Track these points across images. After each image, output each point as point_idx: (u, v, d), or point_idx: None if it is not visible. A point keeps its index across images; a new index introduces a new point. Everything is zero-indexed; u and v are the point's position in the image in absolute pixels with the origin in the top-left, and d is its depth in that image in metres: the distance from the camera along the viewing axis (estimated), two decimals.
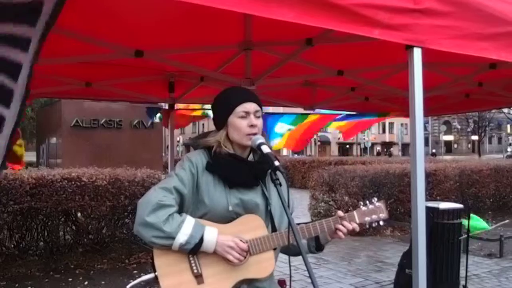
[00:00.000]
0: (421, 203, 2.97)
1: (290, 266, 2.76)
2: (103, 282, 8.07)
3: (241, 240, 2.65)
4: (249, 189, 2.77)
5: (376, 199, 2.98)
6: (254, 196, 2.77)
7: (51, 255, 9.07)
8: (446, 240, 7.14)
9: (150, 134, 20.02)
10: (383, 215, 2.95)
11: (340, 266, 9.13)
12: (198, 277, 2.61)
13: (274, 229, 2.76)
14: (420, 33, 2.72)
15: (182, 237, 2.55)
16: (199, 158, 2.78)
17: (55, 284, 8.05)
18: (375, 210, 2.93)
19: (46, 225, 9.14)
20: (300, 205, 13.89)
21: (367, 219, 2.92)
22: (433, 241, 6.82)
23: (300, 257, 2.52)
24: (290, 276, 2.81)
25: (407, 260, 7.02)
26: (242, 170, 2.76)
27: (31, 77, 2.11)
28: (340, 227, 2.84)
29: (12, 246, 8.96)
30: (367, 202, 2.96)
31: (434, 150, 79.45)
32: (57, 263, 8.89)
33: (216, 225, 2.66)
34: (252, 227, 2.71)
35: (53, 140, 20.12)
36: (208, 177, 2.73)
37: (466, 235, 7.20)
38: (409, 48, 2.80)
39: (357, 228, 2.88)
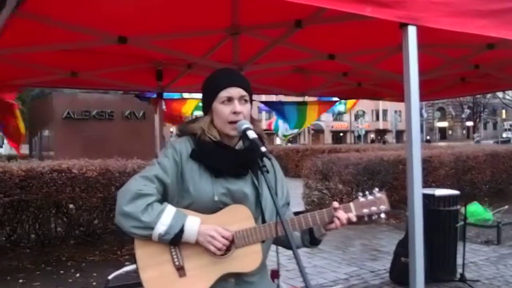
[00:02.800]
0: (417, 190, 2.85)
1: (277, 255, 2.61)
2: (94, 274, 7.96)
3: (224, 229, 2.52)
4: (237, 179, 2.63)
5: (377, 189, 2.78)
6: (242, 186, 2.63)
7: (42, 247, 8.97)
8: (442, 227, 7.07)
9: (142, 125, 19.82)
10: (384, 207, 2.76)
11: (335, 255, 9.03)
12: (180, 270, 2.49)
13: (264, 221, 2.61)
14: (414, 10, 2.59)
15: (161, 227, 2.44)
16: (183, 145, 2.64)
17: (47, 276, 7.94)
18: (374, 202, 2.74)
19: (37, 218, 9.02)
20: (294, 194, 13.77)
21: (366, 211, 2.72)
22: (429, 228, 6.73)
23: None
24: (278, 265, 2.65)
25: (402, 248, 6.96)
26: (228, 158, 2.61)
27: None
28: (334, 219, 2.66)
29: (3, 239, 8.88)
30: (367, 192, 2.76)
31: (428, 137, 79.63)
32: (48, 255, 8.78)
33: (199, 215, 2.53)
34: (238, 218, 2.57)
35: (45, 132, 19.98)
36: (193, 166, 2.59)
37: (462, 222, 7.12)
38: (403, 26, 2.66)
39: (354, 219, 2.69)
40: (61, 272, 8.13)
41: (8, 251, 8.70)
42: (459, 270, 7.04)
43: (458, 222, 7.19)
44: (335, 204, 2.70)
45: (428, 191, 7.19)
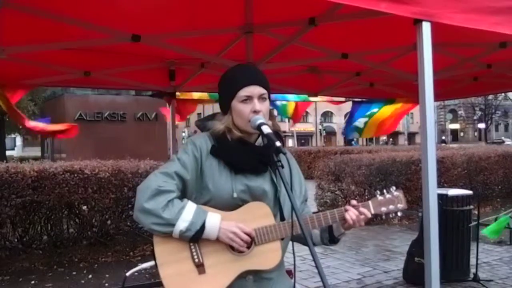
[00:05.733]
0: (432, 190, 2.83)
1: (294, 254, 2.56)
2: (107, 275, 7.97)
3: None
4: (256, 175, 2.60)
5: (394, 187, 2.77)
6: (262, 183, 2.61)
7: (54, 248, 9.00)
8: (456, 227, 7.04)
9: (154, 126, 19.89)
10: (401, 205, 2.76)
11: (348, 256, 9.01)
12: (200, 267, 2.47)
13: (283, 218, 2.60)
14: (429, 6, 2.57)
15: (182, 223, 2.42)
16: (203, 141, 2.62)
17: (59, 277, 7.97)
18: (392, 200, 2.74)
19: (50, 219, 9.06)
20: None
21: (384, 209, 2.73)
22: (442, 228, 6.67)
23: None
24: (294, 265, 2.62)
25: (416, 249, 6.93)
26: (248, 155, 2.59)
27: None
28: (347, 217, 2.63)
29: (16, 240, 8.89)
30: (384, 191, 2.76)
31: (444, 137, 79.10)
32: (61, 256, 8.82)
33: (219, 212, 2.51)
34: (258, 215, 2.55)
35: None
36: (213, 162, 2.58)
37: (476, 222, 7.08)
38: (418, 22, 2.64)
39: (369, 215, 2.68)
40: (74, 273, 8.17)
41: (20, 252, 8.73)
42: (473, 270, 7.00)
43: (471, 222, 7.15)
44: (354, 202, 2.69)
45: (442, 191, 7.16)
